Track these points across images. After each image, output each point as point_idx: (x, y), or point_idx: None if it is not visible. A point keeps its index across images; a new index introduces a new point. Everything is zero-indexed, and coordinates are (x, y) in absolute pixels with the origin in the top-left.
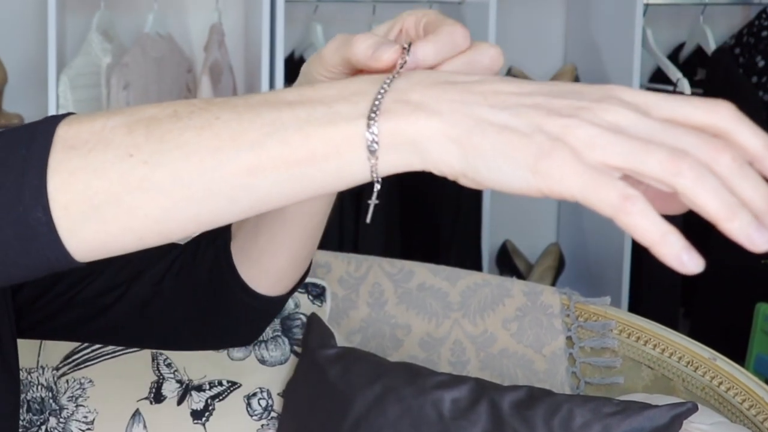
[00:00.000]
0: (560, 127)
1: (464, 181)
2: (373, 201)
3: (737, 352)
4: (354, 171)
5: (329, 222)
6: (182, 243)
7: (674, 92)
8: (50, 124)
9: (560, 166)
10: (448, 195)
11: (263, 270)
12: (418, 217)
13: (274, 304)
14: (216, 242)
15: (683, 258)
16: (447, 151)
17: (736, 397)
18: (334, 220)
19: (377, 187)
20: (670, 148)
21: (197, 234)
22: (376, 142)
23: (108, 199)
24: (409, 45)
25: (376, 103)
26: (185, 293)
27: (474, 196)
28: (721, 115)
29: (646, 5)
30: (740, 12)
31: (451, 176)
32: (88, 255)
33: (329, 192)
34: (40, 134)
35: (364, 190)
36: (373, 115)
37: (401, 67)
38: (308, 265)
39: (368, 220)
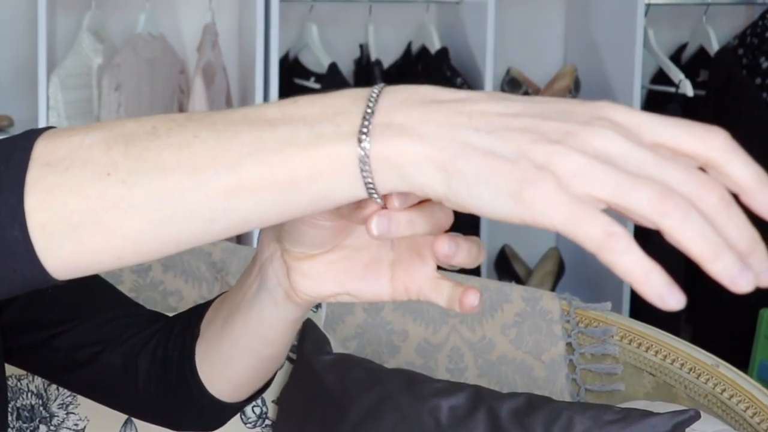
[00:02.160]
0: (546, 155)
1: (448, 204)
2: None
3: (740, 359)
4: (336, 194)
5: None
6: (166, 315)
7: (676, 93)
8: (28, 139)
9: (544, 197)
10: None
11: (224, 377)
12: None
13: (226, 410)
14: (186, 332)
15: (664, 295)
16: (430, 175)
17: (739, 405)
18: None
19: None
20: (657, 186)
21: (177, 253)
22: (368, 164)
23: (85, 219)
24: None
25: (366, 123)
26: (156, 374)
27: None
28: (715, 144)
29: (648, 5)
30: (743, 12)
31: (434, 199)
32: (66, 273)
33: (311, 213)
34: (17, 150)
35: None
36: (363, 136)
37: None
38: (270, 379)
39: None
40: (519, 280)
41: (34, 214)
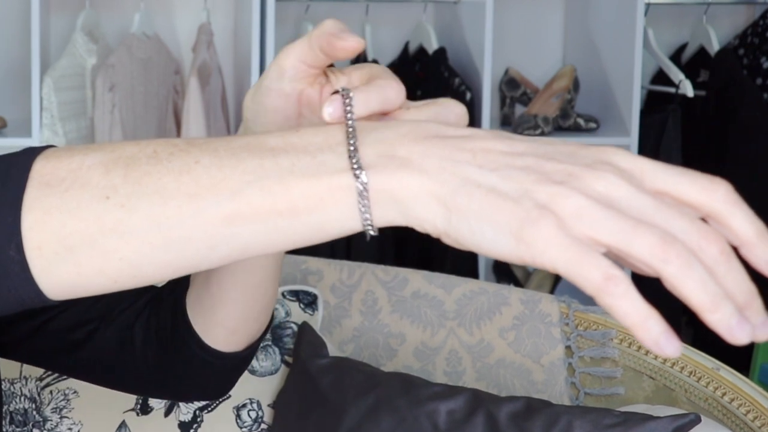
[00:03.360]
0: (549, 195)
1: (447, 240)
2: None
3: (741, 362)
4: (335, 225)
5: None
6: (155, 286)
7: (676, 94)
8: (27, 157)
9: (545, 237)
10: None
11: (217, 322)
12: None
13: (232, 362)
14: (174, 291)
15: (661, 343)
16: (431, 210)
17: (740, 408)
18: None
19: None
20: (659, 232)
21: (174, 278)
22: (368, 197)
23: (83, 241)
24: (347, 91)
25: (352, 158)
26: (153, 342)
27: None
28: (717, 195)
29: (648, 4)
30: (744, 12)
31: (433, 234)
32: (62, 294)
33: (309, 244)
34: (16, 168)
35: None
36: (356, 168)
37: (349, 114)
38: (269, 321)
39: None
40: (517, 283)
41: (30, 234)
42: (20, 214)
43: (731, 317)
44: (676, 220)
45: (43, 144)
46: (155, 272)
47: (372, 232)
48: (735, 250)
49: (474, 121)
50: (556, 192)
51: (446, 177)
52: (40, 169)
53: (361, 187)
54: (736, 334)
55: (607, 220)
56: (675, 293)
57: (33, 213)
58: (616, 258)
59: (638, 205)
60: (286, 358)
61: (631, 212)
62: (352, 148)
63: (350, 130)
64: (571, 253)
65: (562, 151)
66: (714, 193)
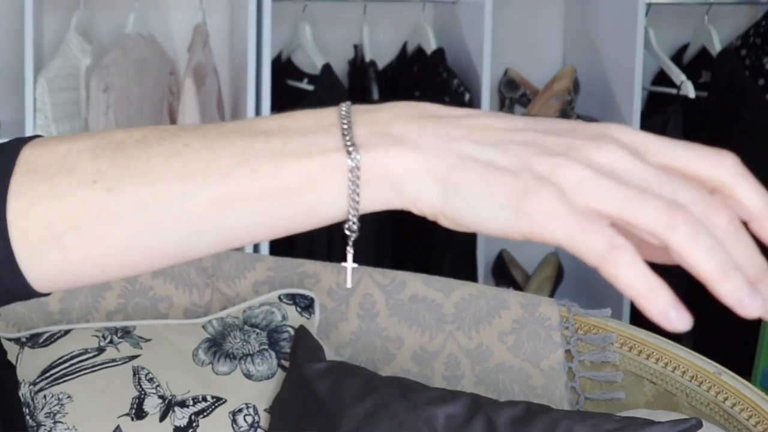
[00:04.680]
0: (549, 167)
1: (443, 221)
2: (350, 264)
3: (743, 367)
4: (327, 207)
5: (318, 231)
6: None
7: (677, 95)
8: (14, 146)
9: (545, 208)
10: None
11: None
12: (410, 225)
13: None
14: None
15: (670, 315)
16: (426, 188)
17: (742, 413)
18: (323, 230)
19: (351, 241)
20: (665, 200)
21: (161, 268)
22: (358, 175)
23: (69, 227)
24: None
25: (346, 136)
26: None
27: None
28: (724, 167)
29: (649, 4)
30: (747, 12)
31: (429, 215)
32: (48, 285)
33: (301, 229)
34: (2, 157)
35: None
36: (349, 145)
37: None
38: None
39: (348, 284)
40: (517, 286)
41: (16, 220)
42: (5, 201)
43: (742, 288)
44: (682, 191)
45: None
46: (142, 261)
47: (354, 223)
48: (744, 225)
49: None
50: (556, 163)
51: (442, 153)
52: (27, 156)
53: (353, 165)
54: (748, 306)
55: (610, 189)
56: (683, 264)
57: (19, 199)
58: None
59: (642, 176)
60: (283, 362)
61: (633, 183)
62: (345, 127)
63: (344, 111)
64: (573, 222)
65: (563, 127)
66: (720, 166)
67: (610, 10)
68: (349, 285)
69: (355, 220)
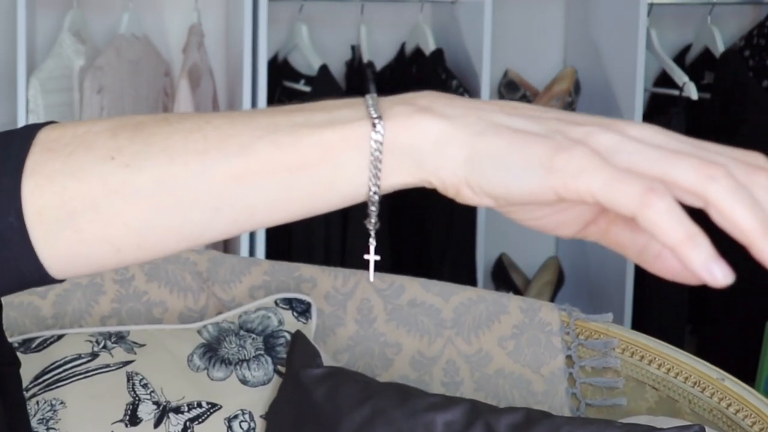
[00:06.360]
0: (582, 133)
1: (465, 193)
2: (372, 256)
3: (747, 372)
4: (347, 182)
5: (315, 235)
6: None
7: (680, 96)
8: (31, 128)
9: (578, 162)
10: (441, 205)
11: None
12: (409, 229)
13: None
14: None
15: (712, 267)
16: (450, 155)
17: (745, 420)
18: (320, 233)
19: (373, 235)
20: (702, 157)
21: (178, 251)
22: (381, 142)
23: (85, 205)
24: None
25: (370, 108)
26: None
27: (468, 206)
28: (755, 156)
29: (651, 5)
30: (750, 12)
31: (450, 187)
32: (63, 267)
33: (319, 209)
34: (19, 137)
35: None
36: (374, 117)
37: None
38: None
39: (371, 278)
40: (517, 291)
41: (31, 198)
42: (21, 179)
43: None
44: (719, 154)
45: None
46: (158, 240)
47: (376, 196)
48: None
49: None
50: (589, 131)
51: (471, 120)
52: (44, 137)
53: (377, 136)
54: None
55: (646, 150)
56: (723, 223)
57: (34, 178)
58: None
59: (675, 144)
60: (279, 367)
61: (669, 148)
62: (370, 102)
63: (370, 97)
64: (609, 171)
65: (587, 117)
66: (752, 155)
67: (611, 10)
68: (371, 279)
69: (376, 195)
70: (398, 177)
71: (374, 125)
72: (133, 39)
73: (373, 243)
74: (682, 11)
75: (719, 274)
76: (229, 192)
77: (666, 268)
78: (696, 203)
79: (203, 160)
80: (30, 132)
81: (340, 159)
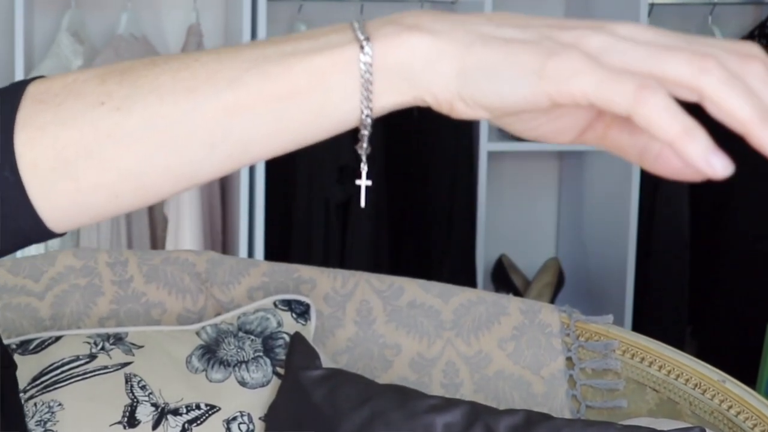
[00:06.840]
0: (573, 37)
1: (460, 107)
2: (364, 181)
3: (748, 374)
4: (338, 106)
5: (314, 235)
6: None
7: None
8: (20, 84)
9: (571, 66)
10: (440, 205)
11: None
12: (409, 230)
13: None
14: None
15: (711, 159)
16: (442, 71)
17: (746, 422)
18: (319, 234)
19: (365, 160)
20: (693, 50)
21: (176, 192)
22: (371, 63)
23: (78, 152)
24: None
25: (357, 31)
26: None
27: (468, 207)
28: (747, 45)
29: (651, 5)
30: (751, 12)
31: (444, 102)
32: (61, 220)
33: (312, 137)
34: (8, 93)
35: (352, 197)
36: (362, 39)
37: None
38: None
39: (363, 203)
40: (517, 292)
41: (24, 151)
42: (13, 133)
43: None
44: (711, 46)
45: None
46: (155, 182)
47: (368, 119)
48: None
49: (472, 126)
50: (579, 34)
51: (459, 34)
52: (34, 90)
53: (365, 58)
54: None
55: (638, 48)
56: (719, 114)
57: (26, 130)
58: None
59: (666, 40)
60: (278, 369)
61: (660, 44)
62: (357, 25)
63: (356, 21)
64: (601, 72)
65: (576, 21)
66: (746, 45)
67: (611, 10)
68: (363, 204)
69: (368, 118)
70: (390, 97)
71: (362, 47)
72: (131, 39)
73: (365, 168)
74: (682, 11)
75: (718, 165)
76: (222, 127)
77: (667, 167)
78: (691, 97)
79: (193, 98)
80: (19, 87)
81: (330, 84)
